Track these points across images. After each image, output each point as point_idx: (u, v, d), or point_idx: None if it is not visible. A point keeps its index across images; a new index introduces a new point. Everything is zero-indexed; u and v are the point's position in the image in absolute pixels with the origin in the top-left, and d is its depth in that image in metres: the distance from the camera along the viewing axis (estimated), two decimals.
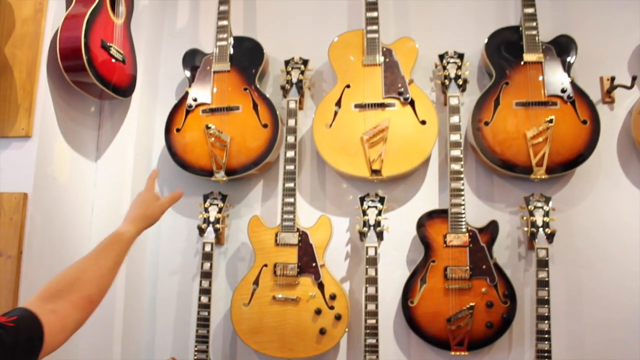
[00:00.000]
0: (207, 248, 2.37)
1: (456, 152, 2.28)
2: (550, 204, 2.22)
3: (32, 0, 2.15)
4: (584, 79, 2.36)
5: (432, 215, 2.29)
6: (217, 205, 2.43)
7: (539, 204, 2.24)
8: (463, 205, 2.24)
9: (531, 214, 2.23)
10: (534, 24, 2.34)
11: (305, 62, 2.49)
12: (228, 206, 2.47)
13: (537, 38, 2.33)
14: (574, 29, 2.42)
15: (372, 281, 2.21)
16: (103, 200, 2.45)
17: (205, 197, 2.44)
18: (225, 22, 2.52)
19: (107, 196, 2.45)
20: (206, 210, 2.43)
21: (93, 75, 2.12)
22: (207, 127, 2.40)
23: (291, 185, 2.35)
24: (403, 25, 2.61)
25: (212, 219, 2.41)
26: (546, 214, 2.22)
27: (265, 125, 2.42)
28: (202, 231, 2.39)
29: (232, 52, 2.51)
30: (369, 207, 2.30)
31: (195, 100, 2.47)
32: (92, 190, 2.45)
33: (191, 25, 2.78)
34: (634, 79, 2.30)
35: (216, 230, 2.39)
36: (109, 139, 2.49)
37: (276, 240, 2.33)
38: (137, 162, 2.49)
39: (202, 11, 2.77)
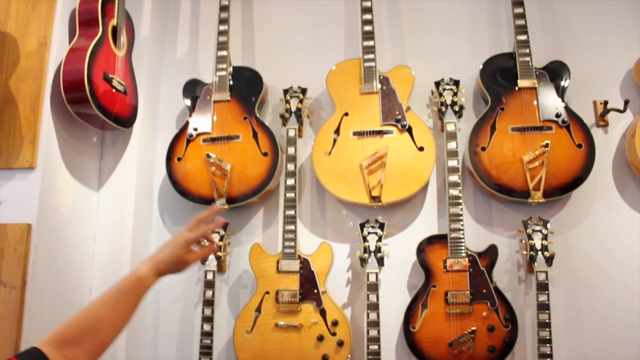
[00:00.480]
0: (209, 276, 2.39)
1: (454, 178, 2.32)
2: (549, 227, 2.24)
3: (37, 34, 2.20)
4: (578, 103, 2.41)
5: (431, 241, 2.32)
6: (219, 233, 2.45)
7: (537, 228, 2.27)
8: (462, 230, 2.27)
9: (530, 237, 2.25)
10: (527, 50, 2.40)
11: (303, 91, 2.53)
12: (229, 234, 2.49)
13: (530, 64, 2.38)
14: (567, 54, 2.49)
15: (374, 307, 2.23)
16: (105, 230, 2.47)
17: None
18: (224, 53, 2.57)
19: (109, 226, 2.48)
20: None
21: (95, 107, 2.16)
22: (208, 156, 2.43)
23: (292, 212, 2.38)
24: (399, 54, 2.67)
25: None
26: (544, 237, 2.24)
27: (265, 154, 2.45)
28: (204, 259, 2.42)
29: (231, 81, 2.56)
30: (369, 233, 2.33)
31: (195, 129, 2.51)
32: (95, 220, 2.47)
33: (191, 55, 2.84)
34: (626, 102, 2.35)
35: (218, 258, 2.40)
36: (111, 169, 2.52)
37: (278, 268, 2.35)
38: (138, 191, 2.52)
39: (202, 42, 2.84)
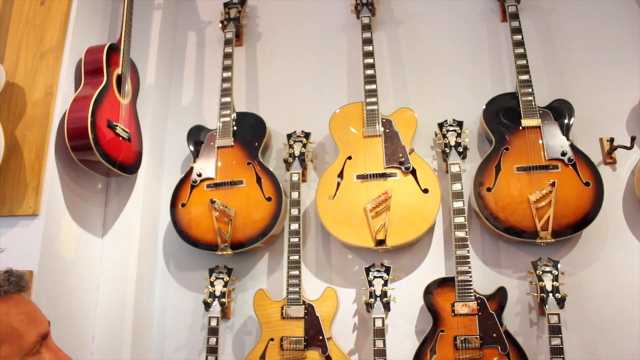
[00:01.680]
0: (213, 322, 2.34)
1: (460, 219, 2.28)
2: (559, 267, 2.18)
3: (43, 84, 2.25)
4: (584, 141, 2.39)
5: (439, 284, 2.26)
6: (223, 279, 2.42)
7: (547, 268, 2.21)
8: (470, 272, 2.22)
9: (540, 278, 2.19)
10: (530, 89, 2.39)
11: (307, 135, 2.54)
12: (234, 280, 2.46)
13: (533, 103, 2.37)
14: (570, 92, 2.49)
15: (381, 353, 2.16)
16: (109, 276, 2.45)
17: (211, 271, 2.43)
18: (228, 99, 2.60)
19: (113, 272, 2.46)
20: (212, 284, 2.41)
21: (99, 154, 2.17)
22: (212, 202, 2.43)
23: (296, 257, 2.35)
24: (402, 95, 2.67)
25: (217, 293, 2.39)
26: (555, 278, 2.18)
27: (269, 199, 2.44)
28: (207, 305, 2.37)
29: (235, 127, 2.58)
30: (374, 277, 2.28)
31: (199, 175, 2.51)
32: (98, 267, 2.46)
33: (196, 102, 2.87)
34: (633, 139, 2.32)
35: (222, 305, 2.37)
36: (115, 215, 2.52)
37: (282, 314, 2.30)
38: (143, 237, 2.51)
39: (207, 88, 2.87)
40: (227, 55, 2.68)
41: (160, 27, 2.78)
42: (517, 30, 2.50)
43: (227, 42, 2.72)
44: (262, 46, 2.91)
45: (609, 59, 2.55)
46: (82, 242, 2.36)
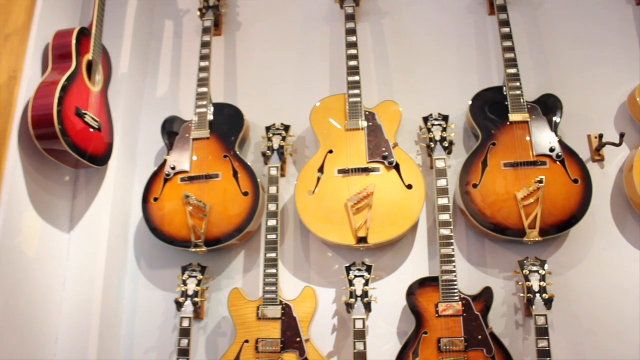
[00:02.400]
0: (185, 323, 2.20)
1: (445, 217, 2.18)
2: (546, 267, 2.09)
3: (7, 69, 2.10)
4: (571, 138, 2.29)
5: (422, 284, 2.15)
6: (196, 277, 2.29)
7: (534, 268, 2.11)
8: (455, 272, 2.11)
9: (527, 279, 2.09)
10: (518, 84, 2.30)
11: (287, 128, 2.42)
12: (208, 278, 2.33)
13: (522, 98, 2.28)
14: (558, 88, 2.39)
15: (361, 356, 2.04)
16: (76, 274, 2.31)
17: (184, 269, 2.29)
18: (205, 89, 2.47)
19: (80, 270, 2.31)
20: (184, 283, 2.27)
21: (66, 144, 2.04)
22: (186, 196, 2.30)
23: (273, 255, 2.23)
24: (386, 89, 2.57)
25: (190, 293, 2.25)
26: (542, 278, 2.08)
27: (245, 194, 2.32)
28: (180, 305, 2.23)
29: (211, 119, 2.45)
30: (355, 276, 2.16)
31: (173, 168, 2.38)
32: (64, 264, 2.31)
33: (172, 92, 2.74)
34: (622, 136, 2.24)
35: (195, 304, 2.23)
36: (83, 210, 2.37)
37: (258, 314, 2.17)
38: (112, 233, 2.37)
39: (183, 79, 2.74)
40: (205, 44, 2.55)
41: (136, 13, 2.64)
42: (505, 23, 2.41)
43: (206, 31, 2.59)
44: (242, 36, 2.79)
45: (597, 55, 2.46)
46: (47, 237, 2.21)
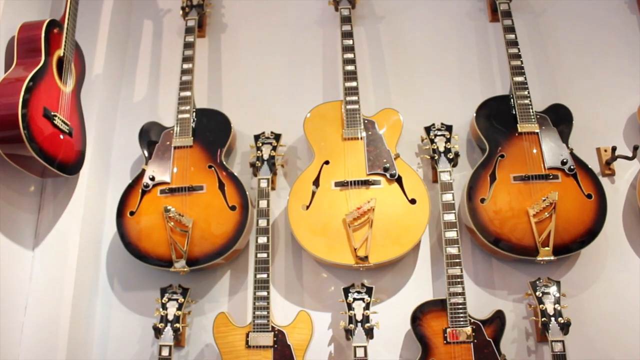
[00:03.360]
0: (165, 352, 1.93)
1: (452, 234, 1.98)
2: (560, 288, 1.93)
3: None
4: (579, 151, 2.11)
5: (427, 307, 1.94)
6: (177, 300, 2.02)
7: (548, 290, 1.92)
8: (463, 294, 1.91)
9: (540, 301, 1.90)
10: (526, 92, 2.13)
11: (277, 137, 2.19)
12: (190, 301, 2.07)
13: (530, 107, 2.12)
14: (563, 99, 2.24)
15: None
16: (39, 296, 2.01)
17: (163, 291, 2.03)
18: (188, 93, 2.22)
19: (44, 291, 2.02)
20: (164, 306, 2.01)
21: (32, 149, 1.76)
22: (166, 210, 2.04)
23: (264, 276, 1.98)
24: (383, 97, 2.37)
25: (170, 317, 1.98)
26: (557, 300, 1.89)
27: (233, 208, 2.08)
28: (158, 332, 1.96)
29: (195, 125, 2.21)
30: (354, 299, 1.93)
31: (152, 179, 2.12)
32: (27, 285, 2.01)
33: (150, 98, 2.48)
34: (635, 148, 2.08)
35: (175, 330, 1.96)
36: (50, 224, 2.09)
37: (247, 342, 1.92)
38: (82, 250, 2.08)
39: (163, 84, 2.49)
40: (188, 45, 2.31)
41: (113, 9, 2.40)
42: (510, 29, 2.26)
43: (189, 31, 2.35)
44: (228, 38, 2.56)
45: (604, 64, 2.34)
46: (7, 254, 1.92)
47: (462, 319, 1.89)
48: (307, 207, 2.06)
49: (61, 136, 1.92)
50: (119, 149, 2.39)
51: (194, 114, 2.23)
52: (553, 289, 1.93)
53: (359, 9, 2.52)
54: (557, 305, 1.89)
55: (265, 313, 1.94)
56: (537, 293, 1.93)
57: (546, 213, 1.96)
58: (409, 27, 2.50)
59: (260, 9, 2.61)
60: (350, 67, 2.22)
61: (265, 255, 2.00)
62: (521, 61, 2.18)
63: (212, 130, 2.20)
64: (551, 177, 2.02)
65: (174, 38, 2.56)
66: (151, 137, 2.22)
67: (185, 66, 2.28)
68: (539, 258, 1.94)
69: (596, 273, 2.06)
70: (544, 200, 1.97)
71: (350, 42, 2.27)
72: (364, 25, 2.51)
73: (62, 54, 1.98)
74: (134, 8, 2.66)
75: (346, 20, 2.32)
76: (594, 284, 2.05)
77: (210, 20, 2.60)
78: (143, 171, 2.15)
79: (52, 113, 1.87)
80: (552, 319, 1.87)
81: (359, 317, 1.91)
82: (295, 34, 2.54)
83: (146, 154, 2.19)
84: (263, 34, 2.56)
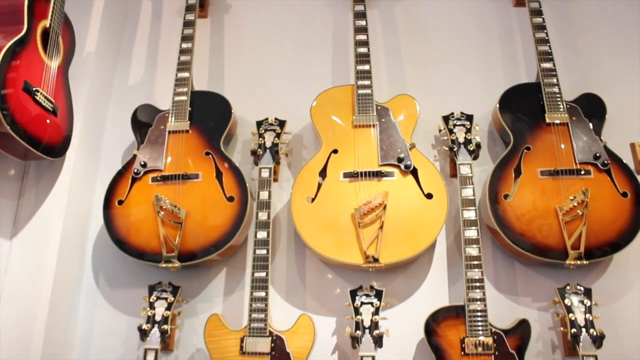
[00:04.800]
0: (150, 356, 1.69)
1: (472, 233, 1.74)
2: (592, 296, 1.69)
3: None
4: (611, 146, 1.86)
5: (443, 314, 1.69)
6: (166, 299, 1.78)
7: (578, 298, 1.68)
8: (484, 300, 1.67)
9: (569, 310, 1.66)
10: (555, 79, 1.90)
11: (281, 124, 1.96)
12: (180, 301, 1.84)
13: (559, 96, 1.89)
14: (594, 89, 1.97)
15: None
16: (15, 291, 1.78)
17: (151, 289, 1.79)
18: (186, 74, 2.00)
19: (20, 286, 1.79)
20: (151, 306, 1.77)
21: (10, 127, 1.55)
22: (157, 199, 1.81)
23: (262, 274, 1.75)
24: (397, 85, 2.14)
25: (158, 318, 1.75)
26: (588, 310, 1.65)
27: (230, 199, 1.85)
28: (144, 333, 1.72)
29: (192, 109, 1.99)
30: (362, 303, 1.70)
31: (144, 165, 1.90)
32: (1, 278, 1.79)
33: (147, 79, 2.26)
34: None
35: (163, 333, 1.72)
36: (31, 211, 1.87)
37: (242, 348, 1.68)
38: (65, 242, 1.86)
39: (161, 65, 2.27)
40: (188, 24, 2.09)
41: None
42: (538, 12, 2.03)
43: (189, 9, 2.14)
44: (231, 19, 2.34)
45: (639, 54, 2.11)
46: None
47: (481, 328, 1.65)
48: (313, 200, 1.83)
49: (44, 113, 1.70)
50: (112, 133, 2.17)
51: (192, 96, 2.01)
52: (583, 297, 1.68)
53: None
54: (588, 315, 1.65)
55: (262, 316, 1.71)
56: (566, 301, 1.68)
57: (577, 212, 1.73)
58: (427, 11, 2.27)
59: None
60: (362, 50, 1.99)
61: (264, 251, 1.77)
62: (549, 46, 1.95)
63: (210, 115, 1.98)
64: (583, 172, 1.78)
65: (174, 19, 2.34)
66: (144, 121, 1.99)
67: (185, 45, 2.06)
68: (568, 262, 1.70)
69: (631, 280, 1.81)
70: (575, 197, 1.75)
71: (364, 22, 2.04)
72: (378, 8, 2.28)
73: (48, 25, 1.76)
74: None
75: (359, 0, 2.11)
76: (629, 292, 1.80)
77: (214, 0, 2.39)
78: (134, 157, 1.93)
79: (34, 88, 1.65)
80: (583, 330, 1.62)
81: (367, 323, 1.67)
82: (303, 16, 2.32)
83: (138, 138, 1.97)
84: (269, 16, 2.34)
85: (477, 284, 1.69)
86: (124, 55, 2.31)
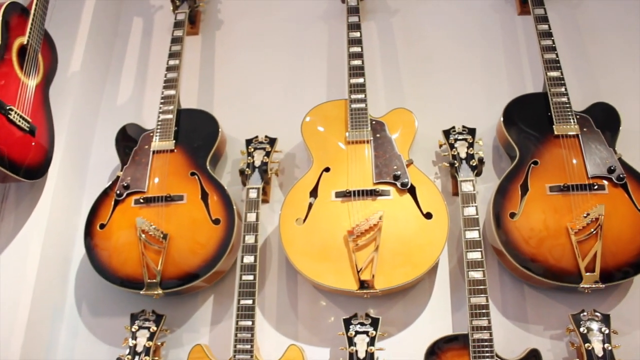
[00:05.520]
0: None
1: (475, 255, 1.59)
2: (610, 324, 1.52)
3: None
4: (627, 158, 1.70)
5: (446, 344, 1.53)
6: (149, 329, 1.66)
7: (595, 325, 1.51)
8: (490, 328, 1.50)
9: (585, 339, 1.49)
10: (563, 89, 1.76)
11: (272, 142, 1.85)
12: (164, 330, 1.70)
13: (569, 106, 1.75)
14: (606, 98, 1.81)
15: None
16: None
17: (134, 318, 1.67)
18: (172, 92, 1.90)
19: None
20: (134, 335, 1.65)
21: None
22: (139, 222, 1.70)
23: (248, 302, 1.61)
24: (395, 99, 2.02)
25: (140, 349, 1.62)
26: (606, 339, 1.48)
27: (216, 221, 1.73)
28: None
29: (178, 127, 1.88)
30: (357, 333, 1.55)
31: (126, 186, 1.79)
32: None
33: (136, 99, 2.18)
34: None
35: None
36: (10, 236, 1.78)
37: None
38: (45, 268, 1.75)
39: (150, 84, 2.18)
40: (176, 40, 2.01)
41: (100, 7, 2.15)
42: (543, 19, 1.89)
43: (178, 25, 2.06)
44: (223, 36, 2.25)
45: None
46: None
47: (488, 359, 1.50)
48: (303, 221, 1.70)
49: (20, 133, 1.61)
50: (100, 154, 2.08)
51: (178, 114, 1.90)
52: (601, 325, 1.51)
53: (369, 2, 2.20)
54: (606, 345, 1.48)
55: (248, 347, 1.56)
56: (582, 329, 1.52)
57: (591, 230, 1.57)
58: (426, 22, 2.16)
59: (259, 4, 2.30)
60: (356, 62, 1.88)
61: (251, 277, 1.64)
62: (556, 54, 1.81)
63: (197, 133, 1.87)
64: (596, 187, 1.63)
65: (165, 36, 2.24)
66: (129, 140, 1.90)
67: (172, 62, 1.97)
68: (582, 285, 1.53)
69: None
70: (588, 215, 1.59)
71: (358, 34, 1.93)
72: (375, 19, 2.17)
73: (25, 42, 1.69)
74: (124, 5, 2.37)
75: (353, 11, 1.98)
76: None
77: (205, 16, 2.29)
78: (118, 178, 1.83)
79: (8, 106, 1.57)
80: None
81: (362, 355, 1.53)
82: (297, 31, 2.22)
83: (123, 158, 1.87)
84: (261, 32, 2.24)
85: (483, 311, 1.53)
86: (113, 73, 2.23)
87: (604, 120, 1.73)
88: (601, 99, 1.82)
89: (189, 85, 2.14)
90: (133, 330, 1.67)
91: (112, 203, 1.79)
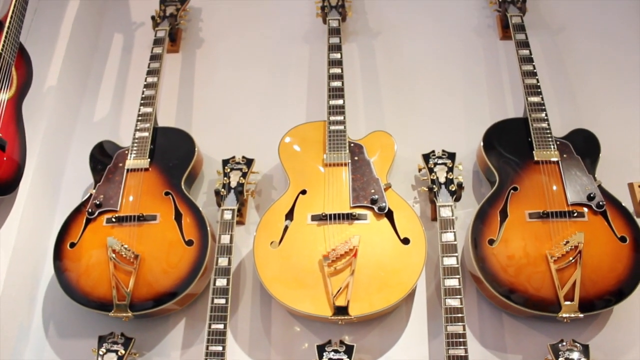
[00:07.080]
0: None
1: (453, 282, 1.53)
2: (590, 354, 1.46)
3: None
4: (606, 187, 1.66)
5: None
6: (117, 352, 1.57)
7: (574, 356, 1.45)
8: (466, 358, 1.43)
9: None
10: (543, 114, 1.72)
11: (249, 162, 1.78)
12: (133, 354, 1.61)
13: (549, 132, 1.71)
14: (587, 126, 1.77)
15: None
16: None
17: (101, 340, 1.58)
18: (149, 110, 1.84)
19: None
20: (101, 358, 1.59)
21: None
22: (110, 242, 1.63)
23: (219, 327, 1.53)
24: (375, 122, 1.97)
25: None
26: None
27: (189, 243, 1.65)
28: None
29: (153, 146, 1.82)
30: None
31: (98, 205, 1.72)
32: None
33: (113, 116, 2.11)
34: None
35: None
36: None
37: None
38: (11, 287, 1.65)
39: (128, 101, 2.10)
40: (155, 57, 1.96)
41: (77, 19, 2.08)
42: (524, 44, 1.87)
43: (157, 42, 2.01)
44: (204, 54, 2.20)
45: (633, 89, 1.93)
46: None
47: None
48: (278, 244, 1.64)
49: None
50: (74, 171, 1.99)
51: (154, 132, 1.84)
52: (580, 355, 1.45)
53: (351, 24, 2.16)
54: None
55: None
56: (560, 359, 1.47)
57: (570, 258, 1.52)
58: (408, 45, 2.13)
59: (241, 24, 2.26)
60: (336, 84, 1.83)
61: (223, 301, 1.56)
62: (537, 79, 1.78)
63: (172, 152, 1.81)
64: (575, 214, 1.58)
65: (145, 52, 2.16)
66: (104, 157, 1.83)
67: (150, 80, 1.91)
68: (561, 315, 1.48)
69: (633, 335, 1.58)
70: (567, 242, 1.54)
71: (338, 55, 1.89)
72: (357, 41, 2.14)
73: None
74: (105, 21, 2.33)
75: (334, 32, 1.95)
76: (632, 348, 1.57)
77: (186, 35, 2.25)
78: (90, 196, 1.76)
79: None
80: None
81: None
82: (278, 52, 2.18)
83: (96, 176, 1.80)
84: (242, 51, 2.20)
85: (460, 340, 1.46)
86: (91, 89, 2.16)
87: (584, 146, 1.70)
88: (581, 126, 1.79)
89: (167, 103, 2.08)
90: (101, 353, 1.58)
91: (84, 221, 1.71)
